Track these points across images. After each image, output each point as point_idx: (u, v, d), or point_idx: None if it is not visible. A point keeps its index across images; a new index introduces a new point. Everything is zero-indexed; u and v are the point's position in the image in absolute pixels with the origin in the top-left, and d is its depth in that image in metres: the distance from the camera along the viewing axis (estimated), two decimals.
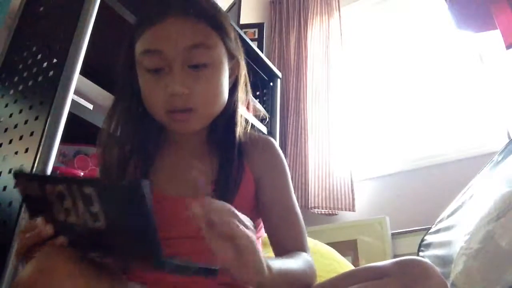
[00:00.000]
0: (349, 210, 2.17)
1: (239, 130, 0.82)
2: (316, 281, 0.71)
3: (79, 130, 1.06)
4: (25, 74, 1.12)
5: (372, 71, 2.58)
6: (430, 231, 1.51)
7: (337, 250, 1.53)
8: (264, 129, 1.84)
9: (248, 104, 0.87)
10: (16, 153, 0.98)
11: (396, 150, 2.31)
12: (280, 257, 0.71)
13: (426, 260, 0.62)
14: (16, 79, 1.14)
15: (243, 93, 0.84)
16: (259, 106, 1.91)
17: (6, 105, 1.12)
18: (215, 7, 0.79)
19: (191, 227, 0.51)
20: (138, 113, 0.79)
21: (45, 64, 1.08)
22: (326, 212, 2.22)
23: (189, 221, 0.51)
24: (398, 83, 2.46)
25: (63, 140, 0.96)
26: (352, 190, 2.19)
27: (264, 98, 2.08)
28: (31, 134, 0.96)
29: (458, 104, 2.21)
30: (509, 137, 1.86)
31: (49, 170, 0.91)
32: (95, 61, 1.15)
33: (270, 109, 2.03)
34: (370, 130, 2.45)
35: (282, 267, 0.61)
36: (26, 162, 0.92)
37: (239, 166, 0.79)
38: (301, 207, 2.34)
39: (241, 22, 2.21)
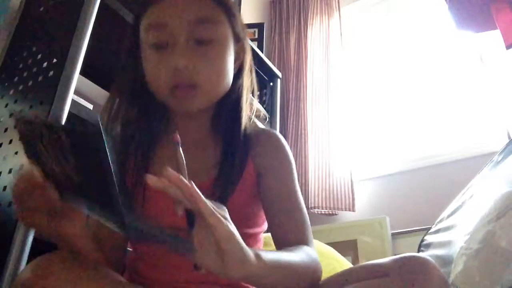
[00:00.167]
0: (349, 210, 2.17)
1: (245, 118, 0.80)
2: (321, 277, 0.68)
3: None
4: (25, 74, 1.12)
5: (372, 71, 2.58)
6: (430, 231, 1.51)
7: (337, 250, 1.53)
8: None
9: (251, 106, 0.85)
10: (16, 153, 0.98)
11: (396, 150, 2.31)
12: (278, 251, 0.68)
13: (426, 256, 0.61)
14: (16, 79, 1.15)
15: (248, 79, 0.82)
16: (259, 106, 1.91)
17: (6, 105, 1.12)
18: None
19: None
20: (140, 99, 0.77)
21: (45, 64, 1.08)
22: (326, 212, 2.22)
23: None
24: (398, 83, 2.46)
25: None
26: (352, 190, 2.19)
27: (264, 98, 2.08)
28: None
29: (458, 104, 2.21)
30: (509, 137, 1.86)
31: None
32: (95, 61, 1.15)
33: (270, 109, 2.03)
34: (370, 130, 2.45)
35: (276, 257, 0.58)
36: (26, 162, 0.92)
37: (243, 157, 0.77)
38: None
39: None
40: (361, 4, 2.74)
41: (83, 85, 1.26)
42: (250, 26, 2.34)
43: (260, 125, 1.80)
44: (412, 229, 1.90)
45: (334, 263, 1.36)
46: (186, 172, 0.54)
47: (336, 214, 2.25)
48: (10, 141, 1.02)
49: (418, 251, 1.50)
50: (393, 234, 1.96)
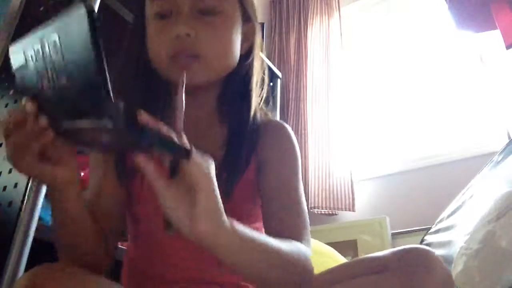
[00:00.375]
0: (349, 210, 2.17)
1: (255, 101, 0.76)
2: (312, 277, 0.62)
3: None
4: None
5: (372, 71, 2.58)
6: (430, 231, 1.51)
7: (337, 250, 1.53)
8: None
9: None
10: None
11: (396, 150, 2.31)
12: None
13: (428, 248, 0.58)
14: None
15: (258, 62, 0.79)
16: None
17: (6, 105, 1.12)
18: None
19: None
20: (144, 77, 0.74)
21: None
22: (326, 212, 2.22)
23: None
24: (398, 83, 2.46)
25: None
26: (352, 190, 2.19)
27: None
28: None
29: (458, 104, 2.21)
30: (509, 137, 1.86)
31: None
32: None
33: (270, 109, 2.03)
34: (370, 130, 2.45)
35: (256, 236, 0.52)
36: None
37: (251, 144, 0.73)
38: None
39: None
40: (361, 4, 2.74)
41: None
42: None
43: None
44: (412, 229, 1.90)
45: (334, 263, 1.37)
46: (183, 118, 0.51)
47: (336, 214, 2.25)
48: None
49: None
50: (393, 234, 1.96)
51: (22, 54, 0.48)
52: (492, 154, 1.49)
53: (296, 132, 2.46)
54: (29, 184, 0.92)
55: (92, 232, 0.62)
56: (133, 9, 1.21)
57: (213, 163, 0.47)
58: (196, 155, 0.45)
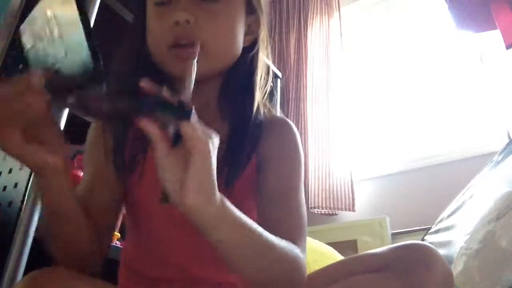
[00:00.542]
0: (349, 210, 2.17)
1: (258, 96, 0.73)
2: (304, 280, 0.59)
3: (79, 130, 1.06)
4: (25, 74, 1.12)
5: (372, 71, 2.58)
6: (430, 231, 1.51)
7: (337, 250, 1.53)
8: None
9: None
10: None
11: (396, 150, 2.31)
12: None
13: (427, 244, 0.57)
14: None
15: (263, 55, 0.76)
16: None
17: None
18: None
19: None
20: (143, 70, 0.70)
21: None
22: (326, 212, 2.22)
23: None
24: (398, 83, 2.46)
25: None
26: (352, 190, 2.19)
27: None
28: None
29: (458, 104, 2.21)
30: (509, 137, 1.86)
31: None
32: None
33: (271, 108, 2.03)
34: (370, 130, 2.45)
35: (245, 218, 0.50)
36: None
37: (254, 141, 0.70)
38: None
39: None
40: (361, 4, 2.74)
41: None
42: None
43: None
44: (412, 229, 1.90)
45: None
46: (191, 90, 0.50)
47: (336, 214, 2.25)
48: None
49: None
50: (393, 234, 1.96)
51: (30, 34, 0.49)
52: (492, 154, 1.49)
53: None
54: (29, 184, 0.92)
55: (85, 228, 0.60)
56: (133, 9, 1.21)
57: (217, 137, 0.47)
58: (196, 120, 0.45)
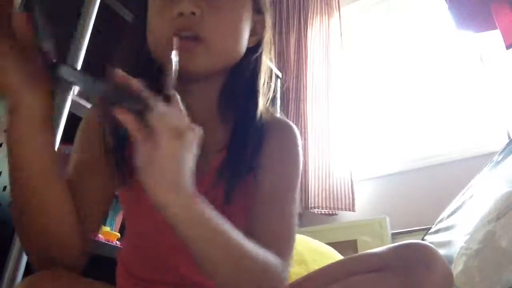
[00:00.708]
0: (349, 210, 2.17)
1: (261, 100, 0.70)
2: None
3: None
4: None
5: (372, 71, 2.58)
6: (430, 231, 1.51)
7: (337, 250, 1.53)
8: None
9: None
10: None
11: (396, 150, 2.31)
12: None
13: (427, 243, 0.56)
14: None
15: (267, 58, 0.73)
16: None
17: None
18: None
19: None
20: (144, 72, 0.65)
21: None
22: (326, 212, 2.22)
23: None
24: (398, 83, 2.46)
25: (63, 140, 0.96)
26: (352, 190, 2.19)
27: None
28: None
29: (458, 104, 2.21)
30: (509, 137, 1.86)
31: None
32: (95, 61, 1.15)
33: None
34: (370, 130, 2.45)
35: (220, 222, 0.48)
36: None
37: (256, 146, 0.67)
38: (301, 207, 2.33)
39: None
40: (361, 4, 2.74)
41: None
42: None
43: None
44: (412, 229, 1.90)
45: None
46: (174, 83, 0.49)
47: (336, 214, 2.25)
48: None
49: None
50: (393, 234, 1.96)
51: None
52: (492, 154, 1.49)
53: None
54: None
55: (67, 213, 0.54)
56: (133, 9, 1.21)
57: (198, 131, 0.45)
58: (161, 107, 0.43)
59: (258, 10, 0.71)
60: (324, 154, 2.30)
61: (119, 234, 1.27)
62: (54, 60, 0.46)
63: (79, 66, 1.03)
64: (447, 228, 1.43)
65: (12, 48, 0.45)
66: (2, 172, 1.00)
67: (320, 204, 2.20)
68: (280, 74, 2.15)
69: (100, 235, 1.23)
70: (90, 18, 1.06)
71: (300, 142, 0.72)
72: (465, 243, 1.22)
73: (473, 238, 1.20)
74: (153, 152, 0.42)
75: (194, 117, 0.61)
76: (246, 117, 0.68)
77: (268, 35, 0.73)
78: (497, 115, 2.02)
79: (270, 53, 0.74)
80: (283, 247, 0.60)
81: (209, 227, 0.48)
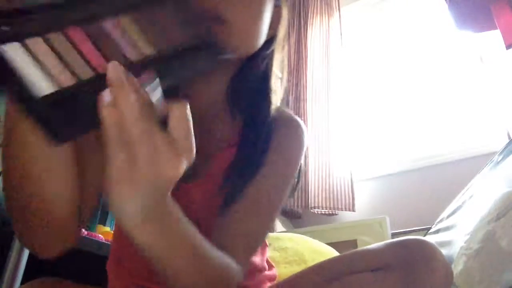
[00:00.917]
0: (349, 210, 2.17)
1: (274, 99, 0.66)
2: None
3: None
4: None
5: (372, 71, 2.58)
6: (430, 231, 1.51)
7: (337, 250, 1.53)
8: None
9: None
10: None
11: (396, 150, 2.31)
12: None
13: (428, 241, 0.56)
14: None
15: (280, 55, 0.68)
16: None
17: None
18: None
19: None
20: None
21: None
22: (326, 212, 2.22)
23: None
24: (398, 83, 2.46)
25: None
26: (352, 190, 2.19)
27: None
28: None
29: (458, 104, 2.21)
30: (509, 137, 1.86)
31: None
32: None
33: None
34: (370, 130, 2.45)
35: (182, 226, 0.41)
36: None
37: (265, 145, 0.62)
38: (301, 207, 2.32)
39: None
40: (361, 4, 2.74)
41: None
42: None
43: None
44: (412, 229, 1.90)
45: None
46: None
47: (336, 214, 2.25)
48: None
49: None
50: (393, 234, 1.96)
51: None
52: (492, 154, 1.49)
53: None
54: None
55: (71, 188, 0.45)
56: None
57: (192, 157, 0.36)
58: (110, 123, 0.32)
59: (277, 3, 0.66)
60: (324, 154, 2.30)
61: None
62: None
63: None
64: (447, 228, 1.43)
65: None
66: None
67: (320, 204, 2.20)
68: (280, 74, 2.15)
69: (100, 235, 1.23)
70: None
71: (305, 141, 0.69)
72: (465, 243, 1.22)
73: (473, 238, 1.20)
74: (128, 168, 0.33)
75: (200, 109, 0.57)
76: (259, 115, 0.64)
77: (283, 32, 0.68)
78: (497, 115, 2.02)
79: (282, 51, 0.69)
80: (247, 248, 0.57)
81: (176, 238, 0.41)
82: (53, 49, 0.35)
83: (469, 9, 1.64)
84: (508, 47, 1.50)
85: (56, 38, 0.36)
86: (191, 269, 0.44)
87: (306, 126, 2.39)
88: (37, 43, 0.35)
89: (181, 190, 0.45)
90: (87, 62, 0.36)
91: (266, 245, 0.77)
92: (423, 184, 2.07)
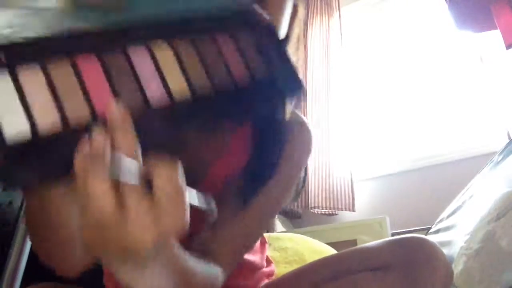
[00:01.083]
0: (349, 210, 2.17)
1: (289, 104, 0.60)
2: None
3: None
4: None
5: (372, 71, 2.58)
6: (430, 231, 1.51)
7: (337, 250, 1.53)
8: None
9: None
10: None
11: (396, 150, 2.31)
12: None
13: (428, 240, 0.55)
14: None
15: (295, 50, 0.62)
16: None
17: None
18: None
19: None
20: None
21: None
22: (326, 212, 2.22)
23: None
24: (398, 83, 2.46)
25: None
26: (352, 190, 2.19)
27: None
28: None
29: (458, 104, 2.21)
30: (509, 137, 1.86)
31: None
32: None
33: None
34: (370, 130, 2.45)
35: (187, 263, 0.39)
36: None
37: (278, 150, 0.58)
38: (301, 207, 2.32)
39: None
40: (361, 4, 2.74)
41: None
42: None
43: None
44: (412, 229, 1.90)
45: None
46: None
47: (336, 214, 2.25)
48: None
49: None
50: (393, 234, 1.96)
51: None
52: (492, 154, 1.49)
53: None
54: None
55: None
56: None
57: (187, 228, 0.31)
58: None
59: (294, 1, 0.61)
60: (324, 154, 2.30)
61: None
62: None
63: None
64: (447, 228, 1.43)
65: None
66: None
67: (320, 204, 2.20)
68: None
69: None
70: None
71: (311, 146, 0.66)
72: (465, 243, 1.22)
73: (473, 238, 1.20)
74: (98, 229, 0.29)
75: None
76: (274, 120, 0.58)
77: (298, 30, 0.64)
78: (497, 115, 2.02)
79: (297, 51, 0.63)
80: (238, 251, 0.55)
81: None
82: (49, 81, 0.29)
83: (469, 9, 1.64)
84: (508, 47, 1.50)
85: (59, 67, 0.30)
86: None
87: None
88: (30, 72, 0.29)
89: None
90: (88, 100, 0.30)
91: (265, 242, 0.76)
92: (423, 184, 2.07)
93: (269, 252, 0.77)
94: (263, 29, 0.37)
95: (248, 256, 0.65)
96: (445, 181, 1.95)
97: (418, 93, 2.36)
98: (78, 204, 0.29)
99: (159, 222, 0.28)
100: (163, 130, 0.32)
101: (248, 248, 0.60)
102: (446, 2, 1.71)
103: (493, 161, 1.43)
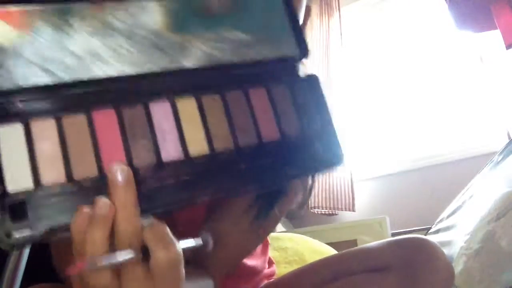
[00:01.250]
0: (349, 210, 2.17)
1: None
2: None
3: None
4: None
5: (372, 71, 2.58)
6: (430, 231, 1.51)
7: (337, 250, 1.53)
8: None
9: None
10: None
11: (396, 150, 2.31)
12: None
13: (429, 241, 0.54)
14: None
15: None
16: None
17: None
18: None
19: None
20: None
21: None
22: (326, 212, 2.22)
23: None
24: (398, 83, 2.46)
25: None
26: (352, 190, 2.19)
27: None
28: None
29: (458, 104, 2.21)
30: (509, 137, 1.86)
31: None
32: None
33: None
34: (370, 130, 2.45)
35: None
36: None
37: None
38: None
39: None
40: (361, 4, 2.74)
41: None
42: None
43: None
44: (412, 229, 1.90)
45: None
46: None
47: (336, 214, 2.25)
48: None
49: None
50: (393, 234, 1.96)
51: None
52: (492, 154, 1.49)
53: None
54: None
55: None
56: None
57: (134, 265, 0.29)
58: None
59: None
60: None
61: None
62: None
63: None
64: (447, 228, 1.43)
65: None
66: None
67: (320, 204, 2.20)
68: None
69: None
70: None
71: None
72: (465, 243, 1.22)
73: (473, 238, 1.20)
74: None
75: None
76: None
77: (309, 31, 0.60)
78: (497, 115, 2.02)
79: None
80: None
81: None
82: (61, 135, 0.29)
83: (469, 9, 1.64)
84: (508, 47, 1.50)
85: (74, 121, 0.29)
86: None
87: None
88: (43, 126, 0.28)
89: None
90: (97, 157, 0.29)
91: (267, 243, 0.76)
92: (423, 184, 2.07)
93: (269, 252, 0.77)
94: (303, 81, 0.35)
95: (248, 261, 0.64)
96: (445, 181, 1.95)
97: (418, 93, 2.36)
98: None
99: None
100: (174, 193, 0.31)
101: (247, 255, 0.60)
102: (446, 2, 1.71)
103: (493, 161, 1.43)
